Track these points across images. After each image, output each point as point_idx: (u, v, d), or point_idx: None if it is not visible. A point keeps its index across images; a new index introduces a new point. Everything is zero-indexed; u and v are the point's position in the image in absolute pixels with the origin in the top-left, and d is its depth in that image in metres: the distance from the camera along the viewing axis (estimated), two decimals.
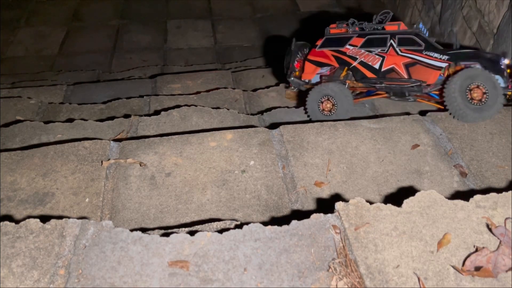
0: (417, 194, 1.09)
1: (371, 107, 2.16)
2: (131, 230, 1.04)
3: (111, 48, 4.43)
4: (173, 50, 4.42)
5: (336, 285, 0.93)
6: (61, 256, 0.99)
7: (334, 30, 2.10)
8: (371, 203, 1.08)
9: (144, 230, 1.18)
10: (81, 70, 3.81)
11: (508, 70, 1.75)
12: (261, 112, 2.18)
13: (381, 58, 1.93)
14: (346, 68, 2.02)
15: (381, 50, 1.94)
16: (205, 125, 1.94)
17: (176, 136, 1.67)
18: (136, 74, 3.55)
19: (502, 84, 1.73)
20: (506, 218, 1.02)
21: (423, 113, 1.83)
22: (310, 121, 2.02)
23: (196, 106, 2.06)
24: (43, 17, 4.92)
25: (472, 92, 1.69)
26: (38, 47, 4.44)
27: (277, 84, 2.62)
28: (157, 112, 2.07)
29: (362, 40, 1.98)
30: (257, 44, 4.50)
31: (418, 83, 1.86)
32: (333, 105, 1.97)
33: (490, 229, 1.00)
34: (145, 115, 2.02)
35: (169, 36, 4.63)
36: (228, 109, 2.05)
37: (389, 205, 1.07)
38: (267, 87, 2.61)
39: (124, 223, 1.34)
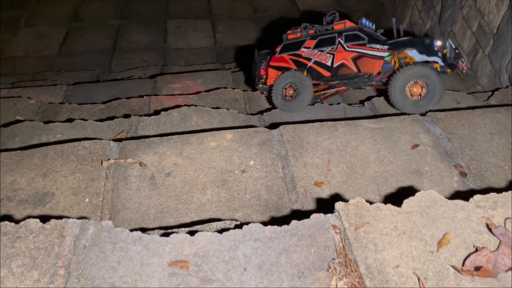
0: (417, 194, 1.09)
1: (371, 107, 2.16)
2: (131, 230, 1.04)
3: (111, 48, 4.43)
4: (173, 50, 4.42)
5: (336, 285, 0.93)
6: (61, 256, 0.99)
7: (291, 36, 2.32)
8: (371, 203, 1.08)
9: (144, 230, 1.18)
10: (81, 70, 3.81)
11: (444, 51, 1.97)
12: (261, 112, 2.18)
13: (332, 56, 2.14)
14: (306, 71, 2.20)
15: (331, 48, 2.15)
16: (205, 125, 1.94)
17: (176, 136, 1.67)
18: (136, 74, 3.55)
19: (440, 62, 1.94)
20: (506, 218, 1.02)
21: (423, 113, 1.83)
22: (309, 121, 2.02)
23: (196, 106, 2.06)
24: (43, 17, 4.92)
25: (411, 88, 1.90)
26: (38, 47, 4.44)
27: None
28: (157, 112, 2.07)
29: (314, 42, 2.20)
30: (257, 44, 4.50)
31: (367, 76, 2.06)
32: (294, 91, 2.15)
33: (490, 229, 1.00)
34: (145, 115, 2.02)
35: (169, 36, 4.63)
36: (228, 109, 2.05)
37: (389, 205, 1.07)
38: None
39: (124, 223, 1.34)
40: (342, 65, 2.11)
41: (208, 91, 2.51)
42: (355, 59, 2.08)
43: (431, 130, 1.70)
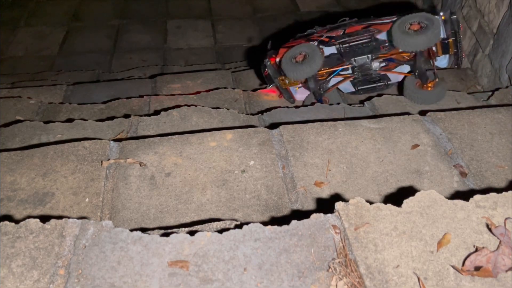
0: (417, 194, 1.09)
1: (371, 107, 2.16)
2: (131, 230, 1.04)
3: (111, 48, 4.42)
4: (173, 50, 4.41)
5: (336, 285, 0.93)
6: (61, 256, 0.99)
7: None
8: (371, 203, 1.08)
9: (144, 230, 1.18)
10: (81, 70, 3.80)
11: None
12: (261, 112, 2.17)
13: (343, 30, 2.26)
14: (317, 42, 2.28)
15: (343, 28, 2.29)
16: (205, 125, 1.94)
17: (176, 136, 1.67)
18: (136, 74, 3.54)
19: (441, 30, 2.04)
20: (506, 218, 1.02)
21: (423, 113, 1.83)
22: (309, 121, 2.02)
23: (196, 106, 2.06)
24: (43, 17, 4.91)
25: (411, 26, 2.02)
26: (38, 47, 4.43)
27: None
28: (157, 112, 2.06)
29: (327, 29, 2.33)
30: (257, 44, 4.49)
31: (375, 34, 2.15)
32: (305, 56, 2.18)
33: (490, 229, 1.00)
34: (145, 115, 2.02)
35: (169, 36, 4.62)
36: (228, 109, 2.05)
37: (389, 205, 1.07)
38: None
39: (124, 223, 1.34)
40: (352, 34, 2.25)
41: (208, 91, 2.51)
42: (365, 28, 2.22)
43: (431, 130, 1.70)
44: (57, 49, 4.41)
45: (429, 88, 2.15)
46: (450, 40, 2.09)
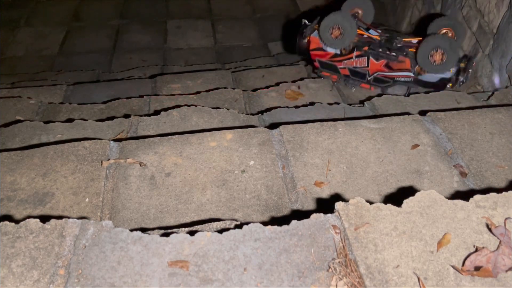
0: (417, 194, 1.09)
1: (371, 107, 2.16)
2: (131, 230, 1.04)
3: (111, 48, 4.43)
4: (173, 50, 4.41)
5: (336, 285, 0.93)
6: (61, 256, 0.99)
7: None
8: (371, 203, 1.08)
9: (144, 230, 1.18)
10: (81, 70, 3.80)
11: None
12: (261, 112, 2.17)
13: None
14: None
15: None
16: (205, 125, 1.94)
17: (176, 136, 1.66)
18: (136, 74, 3.54)
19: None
20: (506, 218, 1.02)
21: (423, 113, 1.83)
22: (309, 121, 2.02)
23: (196, 106, 2.06)
24: (43, 17, 4.92)
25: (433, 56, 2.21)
26: (38, 47, 4.43)
27: (277, 84, 2.62)
28: (157, 112, 2.06)
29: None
30: (257, 44, 4.50)
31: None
32: (340, 33, 2.35)
33: (490, 229, 1.00)
34: (145, 115, 2.02)
35: (169, 36, 4.62)
36: (228, 109, 2.05)
37: (389, 205, 1.07)
38: (267, 87, 2.60)
39: (124, 223, 1.34)
40: None
41: (208, 91, 2.50)
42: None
43: (431, 130, 1.70)
44: (57, 49, 4.41)
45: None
46: (462, 64, 2.29)
